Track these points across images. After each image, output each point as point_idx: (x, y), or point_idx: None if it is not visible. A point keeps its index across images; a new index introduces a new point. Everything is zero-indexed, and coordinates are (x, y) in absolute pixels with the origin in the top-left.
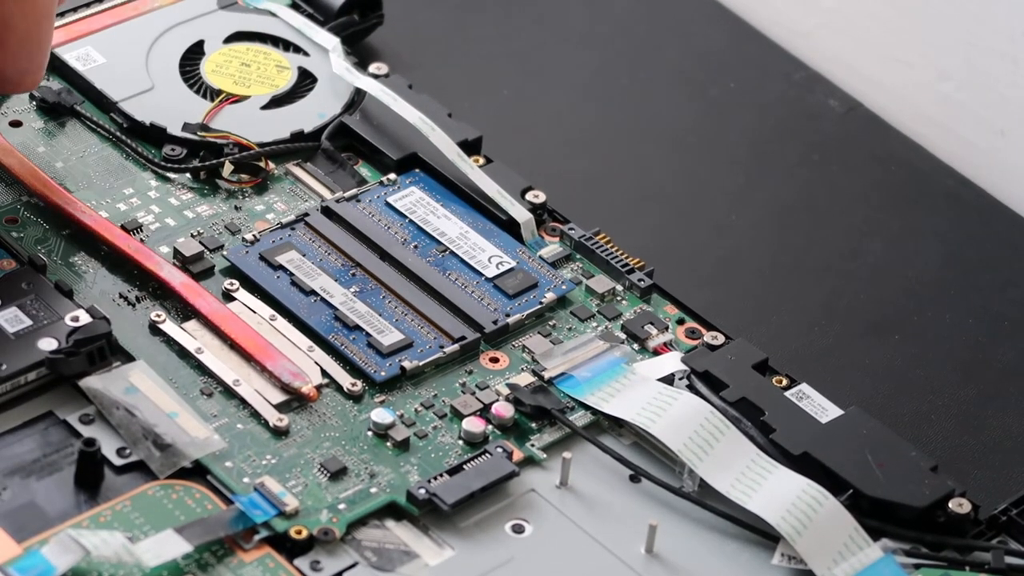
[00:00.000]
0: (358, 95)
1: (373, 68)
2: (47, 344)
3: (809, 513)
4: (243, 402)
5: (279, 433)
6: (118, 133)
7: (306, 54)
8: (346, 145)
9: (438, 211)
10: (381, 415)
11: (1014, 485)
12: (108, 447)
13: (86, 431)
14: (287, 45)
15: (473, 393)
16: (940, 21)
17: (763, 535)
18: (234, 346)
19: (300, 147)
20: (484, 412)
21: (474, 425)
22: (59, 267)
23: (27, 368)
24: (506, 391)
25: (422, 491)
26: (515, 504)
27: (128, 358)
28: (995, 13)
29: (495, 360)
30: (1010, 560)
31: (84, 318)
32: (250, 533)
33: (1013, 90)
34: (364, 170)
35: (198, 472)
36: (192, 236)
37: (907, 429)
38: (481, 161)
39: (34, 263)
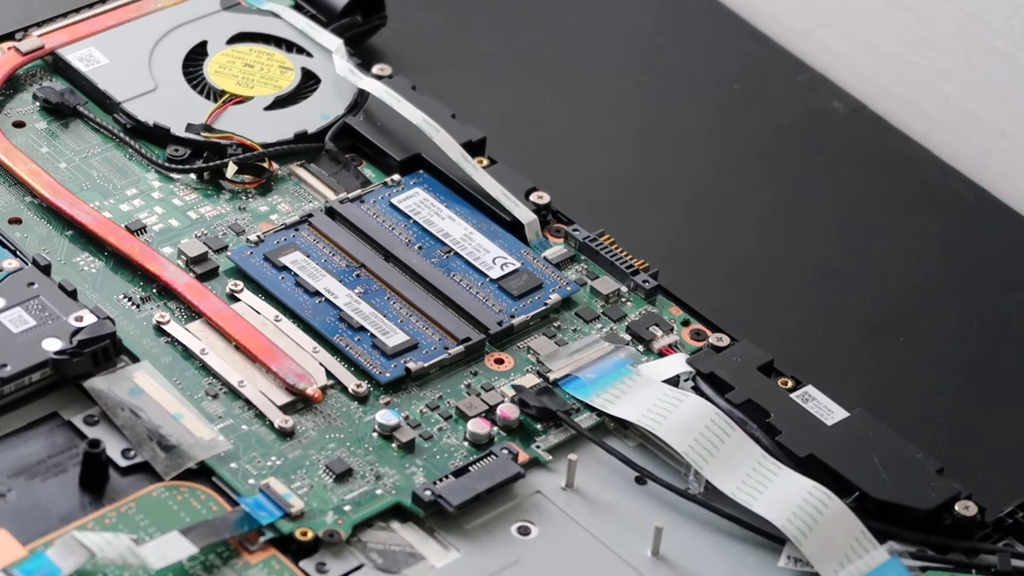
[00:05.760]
0: (361, 96)
1: (376, 69)
2: (51, 344)
3: (815, 515)
4: (248, 403)
5: (284, 434)
6: (121, 134)
7: (309, 55)
8: (350, 146)
9: (442, 212)
10: (386, 416)
11: (1021, 488)
12: (113, 448)
13: (91, 432)
14: (290, 46)
15: (478, 394)
16: (941, 21)
17: (769, 537)
18: (239, 347)
19: (304, 148)
20: (489, 414)
21: (479, 427)
22: (63, 267)
23: (31, 369)
24: (511, 393)
25: (427, 493)
26: (521, 506)
27: (133, 359)
28: (996, 13)
29: (500, 361)
30: (1016, 563)
31: (88, 318)
32: (255, 535)
33: (1014, 90)
34: (368, 171)
35: (203, 473)
36: (196, 237)
37: (913, 431)
38: (485, 162)
39: (38, 263)
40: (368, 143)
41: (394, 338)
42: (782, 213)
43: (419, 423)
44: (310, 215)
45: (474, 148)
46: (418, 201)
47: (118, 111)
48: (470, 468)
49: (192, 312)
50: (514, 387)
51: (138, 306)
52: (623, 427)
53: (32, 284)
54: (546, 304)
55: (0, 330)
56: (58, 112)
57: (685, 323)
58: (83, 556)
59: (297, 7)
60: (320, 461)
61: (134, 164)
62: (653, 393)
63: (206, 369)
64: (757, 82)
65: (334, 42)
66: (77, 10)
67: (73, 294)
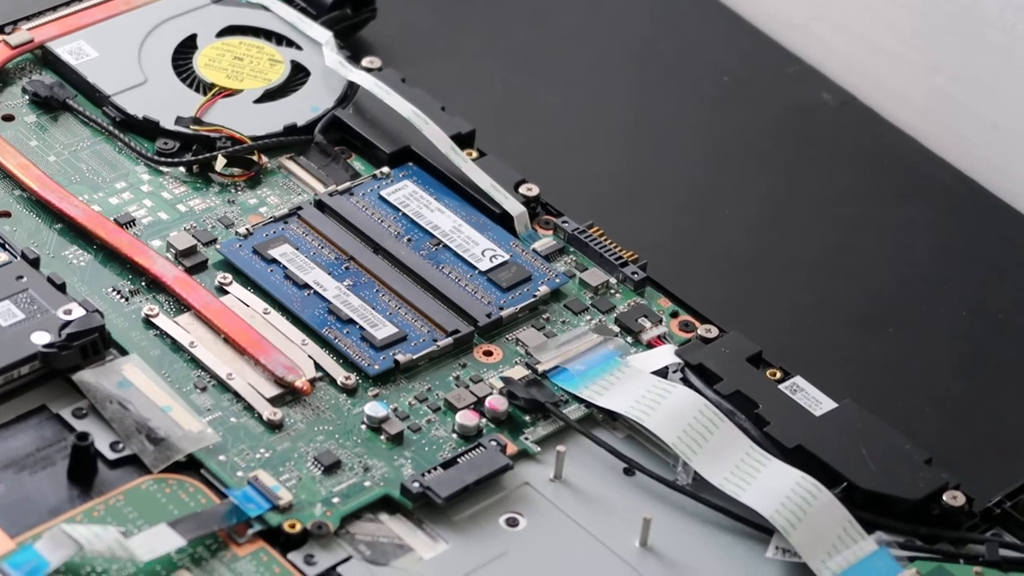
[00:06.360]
0: (351, 89)
1: (366, 62)
2: (40, 338)
3: (803, 506)
4: (236, 396)
5: (273, 427)
6: (111, 127)
7: (299, 48)
8: (339, 139)
9: (431, 204)
10: (375, 408)
11: (1008, 478)
12: (101, 441)
13: (79, 425)
14: (280, 39)
15: (467, 386)
16: (932, 13)
17: (757, 528)
18: (227, 340)
19: (293, 141)
20: (478, 405)
21: (468, 418)
22: (52, 261)
23: (20, 362)
24: (500, 384)
25: (416, 484)
26: (509, 497)
27: (121, 352)
28: (987, 5)
29: (489, 353)
30: (1004, 553)
31: (77, 311)
32: (244, 527)
33: (1005, 82)
34: (357, 164)
35: (192, 466)
36: (185, 230)
37: (901, 422)
38: (474, 154)
39: (27, 256)
40: (358, 136)
41: (383, 330)
42: (772, 205)
43: (408, 415)
44: (299, 208)
45: (463, 140)
46: (407, 193)
47: (107, 104)
48: (459, 460)
49: (181, 305)
50: (503, 379)
51: (127, 299)
52: (612, 418)
53: (21, 277)
54: (535, 296)
55: None
56: (47, 105)
57: (674, 314)
58: (71, 549)
59: (287, 0)
60: (309, 453)
61: (123, 157)
62: (642, 384)
63: (195, 362)
64: (747, 75)
65: (324, 35)
66: (66, 3)
67: (62, 287)
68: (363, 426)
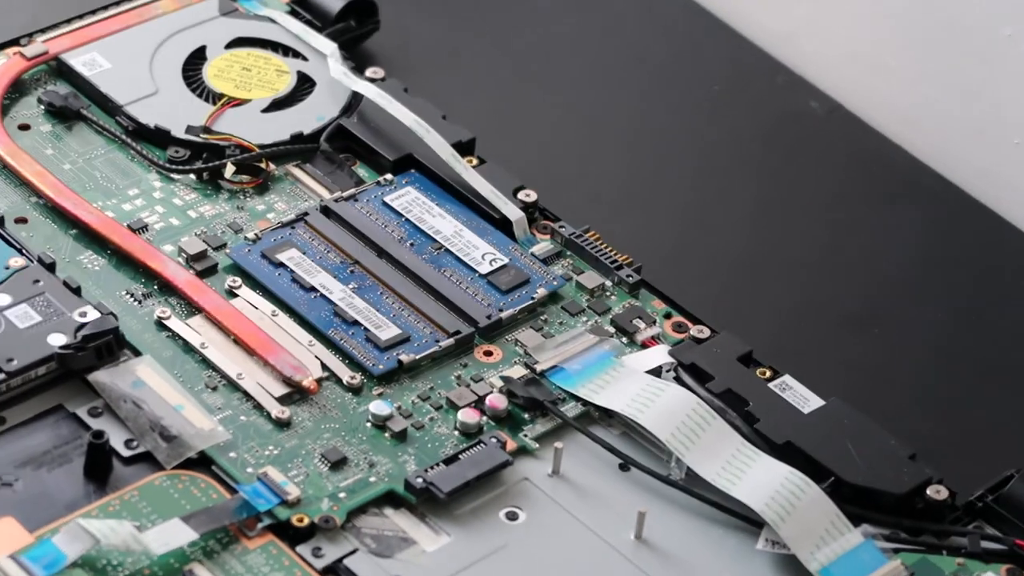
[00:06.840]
0: (355, 98)
1: (370, 72)
2: (56, 339)
3: (792, 500)
4: (246, 395)
5: (281, 425)
6: (123, 136)
7: (305, 59)
8: (344, 147)
9: (433, 210)
10: (379, 407)
11: (989, 473)
12: (116, 439)
13: (95, 424)
14: (286, 50)
15: (468, 385)
16: (918, 22)
17: (748, 521)
18: (237, 341)
19: (300, 149)
20: (479, 404)
21: (469, 416)
22: (67, 265)
23: (37, 363)
24: (500, 383)
25: (419, 480)
26: (509, 492)
27: (135, 353)
28: (973, 14)
29: (489, 353)
30: (986, 545)
31: (92, 314)
32: (254, 521)
33: (989, 90)
34: (361, 171)
35: (203, 463)
36: (196, 235)
37: (886, 419)
38: (475, 162)
39: (43, 261)
40: (362, 144)
41: (387, 331)
42: (761, 210)
43: (411, 413)
44: (306, 213)
45: (464, 148)
46: (410, 199)
47: (120, 114)
48: (460, 456)
49: (192, 308)
50: (502, 378)
51: (140, 302)
52: (607, 416)
53: (38, 281)
54: (533, 298)
55: (7, 326)
56: (62, 115)
57: (667, 316)
58: (88, 543)
59: (293, 13)
60: (316, 450)
61: (136, 165)
62: (636, 383)
63: (206, 362)
64: (737, 83)
65: (329, 46)
66: (80, 16)
67: (77, 291)
68: (368, 424)
